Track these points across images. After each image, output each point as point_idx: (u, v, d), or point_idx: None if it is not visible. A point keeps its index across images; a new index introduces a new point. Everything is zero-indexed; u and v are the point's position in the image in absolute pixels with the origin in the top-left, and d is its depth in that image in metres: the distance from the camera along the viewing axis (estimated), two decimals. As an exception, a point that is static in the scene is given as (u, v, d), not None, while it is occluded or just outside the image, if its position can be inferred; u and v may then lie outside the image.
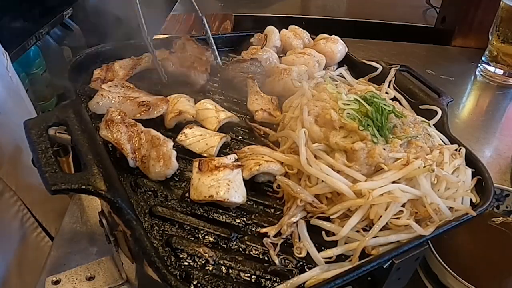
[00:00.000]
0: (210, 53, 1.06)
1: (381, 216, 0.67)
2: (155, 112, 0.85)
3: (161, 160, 0.73)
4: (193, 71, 0.98)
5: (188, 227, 0.69)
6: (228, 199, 0.69)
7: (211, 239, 0.68)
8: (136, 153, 0.75)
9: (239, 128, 0.91)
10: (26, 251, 1.11)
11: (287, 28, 1.20)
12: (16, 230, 1.10)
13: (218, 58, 1.06)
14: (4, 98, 1.08)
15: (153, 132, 0.78)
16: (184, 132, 0.82)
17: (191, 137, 0.82)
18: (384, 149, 0.74)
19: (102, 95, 0.86)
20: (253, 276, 0.63)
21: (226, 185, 0.70)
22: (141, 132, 0.77)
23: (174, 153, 0.74)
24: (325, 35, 1.17)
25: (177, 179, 0.76)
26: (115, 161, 0.76)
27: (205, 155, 0.79)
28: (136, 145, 0.76)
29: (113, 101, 0.86)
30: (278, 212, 0.74)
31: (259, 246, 0.67)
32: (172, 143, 0.76)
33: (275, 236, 0.68)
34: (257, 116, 0.92)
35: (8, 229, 1.09)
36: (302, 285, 0.62)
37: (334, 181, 0.70)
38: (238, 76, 1.00)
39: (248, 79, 0.99)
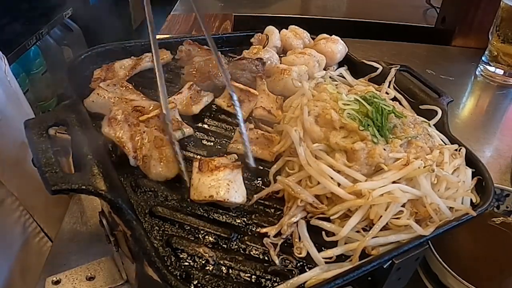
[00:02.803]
0: (219, 53, 1.05)
1: (381, 216, 0.67)
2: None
3: (162, 161, 0.73)
4: (215, 78, 0.98)
5: (188, 227, 0.69)
6: (228, 199, 0.69)
7: (211, 239, 0.68)
8: (138, 152, 0.75)
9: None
10: (28, 256, 1.11)
11: (287, 28, 1.20)
12: (18, 235, 1.10)
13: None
14: (3, 103, 1.08)
15: (156, 132, 0.77)
16: None
17: None
18: (384, 149, 0.74)
19: (98, 94, 0.86)
20: (253, 276, 0.63)
21: (226, 185, 0.70)
22: (144, 132, 0.77)
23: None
24: (325, 35, 1.17)
25: (177, 179, 0.76)
26: (115, 161, 0.76)
27: None
28: (138, 144, 0.75)
29: (108, 101, 0.86)
30: (278, 212, 0.74)
31: (259, 246, 0.67)
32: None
33: (275, 236, 0.68)
34: (255, 113, 0.92)
35: (10, 234, 1.09)
36: (302, 285, 0.62)
37: (328, 183, 0.70)
38: (243, 74, 1.00)
39: (257, 77, 0.99)
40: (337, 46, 1.12)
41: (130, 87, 0.91)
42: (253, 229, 0.70)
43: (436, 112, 0.93)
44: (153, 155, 0.74)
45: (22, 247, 1.10)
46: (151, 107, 0.87)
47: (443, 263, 0.73)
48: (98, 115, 0.86)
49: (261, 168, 0.81)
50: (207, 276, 0.61)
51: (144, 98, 0.90)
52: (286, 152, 0.80)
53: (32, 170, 1.10)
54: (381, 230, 0.67)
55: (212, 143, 0.86)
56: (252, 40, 1.16)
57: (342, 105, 0.78)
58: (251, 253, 0.67)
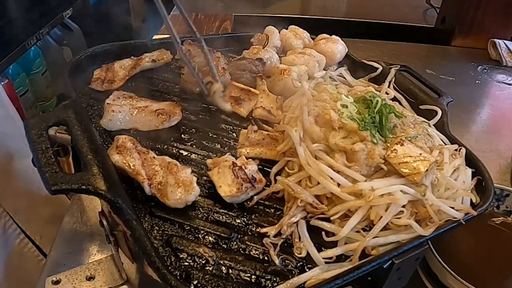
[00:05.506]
0: (219, 53, 1.05)
1: (381, 217, 0.67)
2: (175, 118, 0.85)
3: (180, 186, 0.70)
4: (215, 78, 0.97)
5: (188, 227, 0.69)
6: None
7: (211, 239, 0.68)
8: (152, 180, 0.72)
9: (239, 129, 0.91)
10: (10, 258, 1.10)
11: (287, 28, 1.20)
12: None
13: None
14: None
15: (168, 159, 0.75)
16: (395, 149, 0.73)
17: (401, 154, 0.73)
18: (384, 150, 0.74)
19: (112, 111, 0.82)
20: (253, 276, 0.63)
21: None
22: (154, 158, 0.75)
23: (195, 178, 0.73)
24: (325, 35, 1.17)
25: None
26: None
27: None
28: (151, 172, 0.72)
29: (125, 115, 0.83)
30: (278, 212, 0.74)
31: (259, 246, 0.67)
32: (190, 169, 0.74)
33: (275, 236, 0.68)
34: (255, 113, 0.92)
35: None
36: (302, 285, 0.62)
37: (328, 183, 0.70)
38: (243, 75, 1.00)
39: (257, 77, 0.99)
40: (337, 46, 1.12)
41: (132, 95, 0.90)
42: (253, 229, 0.70)
43: (436, 112, 0.93)
44: (169, 181, 0.71)
45: (2, 248, 1.09)
46: (170, 107, 0.87)
47: (443, 263, 0.73)
48: (98, 115, 0.86)
49: (261, 167, 0.81)
50: (207, 276, 0.61)
51: (152, 102, 0.90)
52: (287, 152, 0.80)
53: (14, 172, 1.09)
54: (381, 230, 0.67)
55: (212, 143, 0.86)
56: (252, 40, 1.16)
57: (340, 107, 0.78)
58: (251, 253, 0.67)
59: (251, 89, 0.95)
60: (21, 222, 1.14)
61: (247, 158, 0.79)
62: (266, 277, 0.63)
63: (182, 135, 0.87)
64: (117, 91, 0.90)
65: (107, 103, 0.84)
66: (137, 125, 0.84)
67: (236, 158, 0.78)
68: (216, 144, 0.86)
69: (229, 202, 0.73)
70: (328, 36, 1.16)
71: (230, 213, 0.72)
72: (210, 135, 0.88)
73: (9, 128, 1.09)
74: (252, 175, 0.74)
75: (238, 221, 0.71)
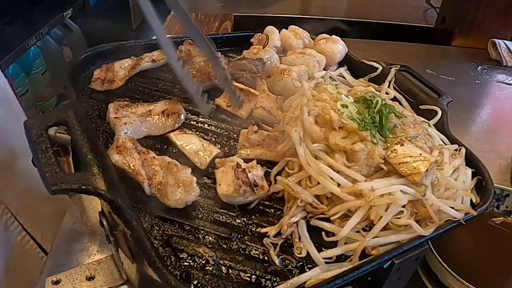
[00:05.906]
0: (219, 53, 1.04)
1: (381, 216, 0.67)
2: (183, 114, 0.86)
3: (180, 187, 0.71)
4: (215, 78, 0.97)
5: (188, 227, 0.69)
6: None
7: (211, 239, 0.68)
8: (152, 180, 0.72)
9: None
10: (11, 255, 1.10)
11: (287, 28, 1.20)
12: (0, 234, 1.09)
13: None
14: None
15: (168, 159, 0.75)
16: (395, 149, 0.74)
17: None
18: (384, 150, 0.74)
19: (125, 124, 0.81)
20: (253, 276, 0.63)
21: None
22: (154, 158, 0.75)
23: (195, 178, 0.73)
24: (325, 35, 1.17)
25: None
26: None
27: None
28: (151, 172, 0.72)
29: (138, 124, 0.83)
30: (278, 212, 0.74)
31: (259, 246, 0.67)
32: (190, 169, 0.74)
33: (275, 236, 0.68)
34: (255, 113, 0.92)
35: None
36: (302, 285, 0.62)
37: (328, 183, 0.70)
38: (243, 75, 1.00)
39: (257, 78, 0.99)
40: (337, 46, 1.12)
41: (126, 103, 0.88)
42: (253, 229, 0.70)
43: (436, 112, 0.93)
44: (169, 181, 0.71)
45: (4, 246, 1.09)
46: (172, 105, 0.88)
47: (443, 263, 0.73)
48: (99, 115, 0.86)
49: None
50: (207, 276, 0.62)
51: (149, 104, 0.89)
52: (287, 152, 0.80)
53: (16, 170, 1.09)
54: (381, 230, 0.67)
55: (212, 143, 0.86)
56: (252, 40, 1.16)
57: (340, 107, 0.78)
58: (251, 253, 0.67)
59: (251, 89, 0.95)
60: (22, 219, 1.14)
61: (247, 161, 0.78)
62: (266, 277, 0.63)
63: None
64: (112, 103, 0.87)
65: (115, 118, 0.82)
66: (152, 130, 0.84)
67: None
68: (217, 144, 0.86)
69: (225, 202, 0.72)
70: (328, 36, 1.16)
71: (230, 213, 0.72)
72: (210, 135, 0.88)
73: (14, 125, 1.09)
74: (254, 180, 0.74)
75: (238, 221, 0.71)
